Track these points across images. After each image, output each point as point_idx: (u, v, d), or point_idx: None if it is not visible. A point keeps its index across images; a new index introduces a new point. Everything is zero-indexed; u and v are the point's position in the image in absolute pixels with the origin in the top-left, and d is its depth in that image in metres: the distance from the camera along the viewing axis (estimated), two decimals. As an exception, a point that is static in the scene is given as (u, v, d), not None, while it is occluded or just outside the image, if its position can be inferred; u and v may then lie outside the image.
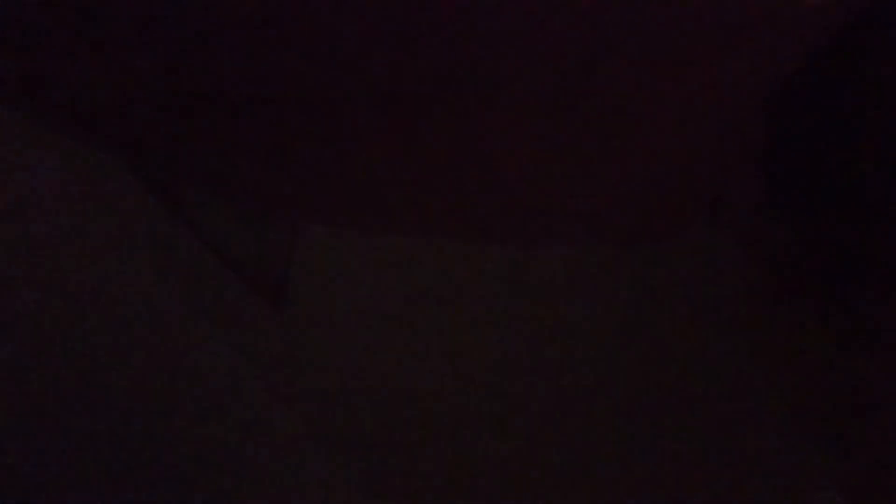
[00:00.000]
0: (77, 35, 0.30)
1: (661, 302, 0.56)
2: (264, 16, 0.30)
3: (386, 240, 0.55)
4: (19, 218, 0.58)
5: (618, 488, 0.58)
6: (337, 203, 0.36)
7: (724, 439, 0.56)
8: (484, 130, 0.33)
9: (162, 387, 0.58)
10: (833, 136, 0.40)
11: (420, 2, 0.30)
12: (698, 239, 0.53)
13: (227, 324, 0.58)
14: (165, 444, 0.59)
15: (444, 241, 0.38)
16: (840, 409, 0.43)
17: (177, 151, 0.34)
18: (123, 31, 0.30)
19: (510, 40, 0.31)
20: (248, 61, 0.31)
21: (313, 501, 0.59)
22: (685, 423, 0.57)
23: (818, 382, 0.44)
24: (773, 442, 0.55)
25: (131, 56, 0.31)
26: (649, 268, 0.55)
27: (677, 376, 0.56)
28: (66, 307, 0.58)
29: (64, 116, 0.33)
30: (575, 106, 0.33)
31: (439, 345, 0.57)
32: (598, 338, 0.57)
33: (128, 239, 0.58)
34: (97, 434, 0.59)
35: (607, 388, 0.57)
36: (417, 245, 0.55)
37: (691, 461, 0.57)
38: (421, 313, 0.57)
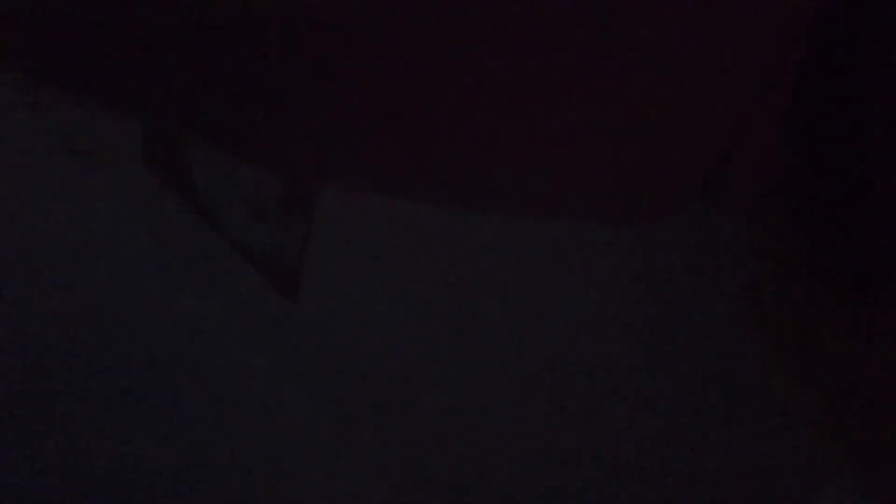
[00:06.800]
0: None
1: (668, 297, 0.56)
2: None
3: (394, 236, 0.55)
4: (33, 214, 0.59)
5: (619, 485, 0.58)
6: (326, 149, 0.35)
7: (729, 435, 0.57)
8: (492, 67, 0.32)
9: (175, 373, 0.58)
10: (845, 129, 0.40)
11: None
12: (702, 234, 0.53)
13: (241, 312, 0.58)
14: (176, 431, 0.59)
15: (431, 203, 0.37)
16: (848, 403, 0.43)
17: (177, 94, 0.33)
18: None
19: None
20: None
21: (326, 485, 0.59)
22: (690, 417, 0.57)
23: (827, 376, 0.44)
24: (779, 438, 0.56)
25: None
26: (655, 263, 0.56)
27: (681, 370, 0.56)
28: (83, 296, 0.58)
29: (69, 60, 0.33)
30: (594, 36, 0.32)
31: (444, 335, 0.58)
32: (602, 334, 0.57)
33: (146, 231, 0.58)
34: (110, 421, 0.59)
35: (609, 386, 0.57)
36: (422, 240, 0.55)
37: (696, 456, 0.57)
38: (426, 305, 0.57)
